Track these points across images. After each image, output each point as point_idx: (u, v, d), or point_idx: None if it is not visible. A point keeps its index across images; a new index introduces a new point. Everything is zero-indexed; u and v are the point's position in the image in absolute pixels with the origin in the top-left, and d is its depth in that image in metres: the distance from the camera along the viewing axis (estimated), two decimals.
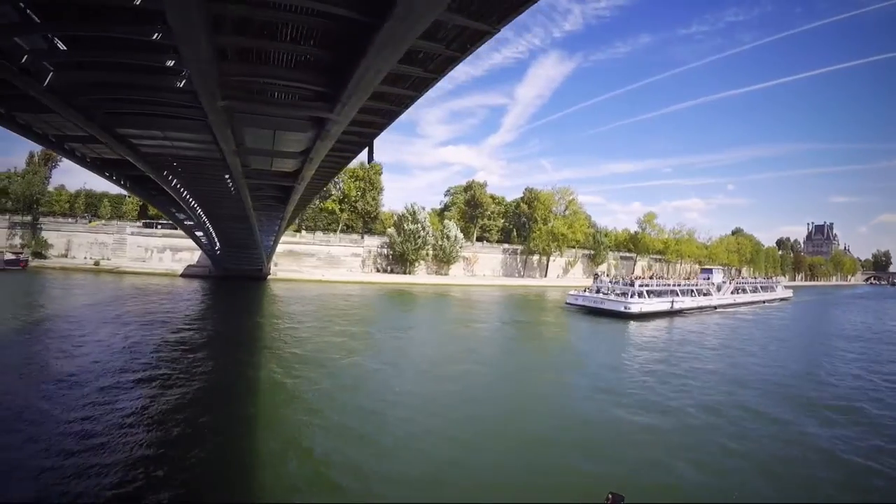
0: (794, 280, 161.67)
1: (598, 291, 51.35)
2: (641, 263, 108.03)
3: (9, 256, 60.55)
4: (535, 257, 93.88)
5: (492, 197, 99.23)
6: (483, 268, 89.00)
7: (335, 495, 11.77)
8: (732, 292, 67.77)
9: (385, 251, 79.60)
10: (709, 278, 67.49)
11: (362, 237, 79.78)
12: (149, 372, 20.85)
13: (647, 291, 50.15)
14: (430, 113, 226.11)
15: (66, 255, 67.64)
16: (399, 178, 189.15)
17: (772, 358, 31.76)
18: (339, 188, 78.53)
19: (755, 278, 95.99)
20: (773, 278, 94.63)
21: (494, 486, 12.51)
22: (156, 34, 9.54)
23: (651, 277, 62.27)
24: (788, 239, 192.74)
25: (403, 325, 38.38)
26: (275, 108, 13.12)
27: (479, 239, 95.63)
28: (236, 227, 44.98)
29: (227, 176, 23.80)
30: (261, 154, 17.90)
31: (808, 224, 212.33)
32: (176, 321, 33.78)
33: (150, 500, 11.20)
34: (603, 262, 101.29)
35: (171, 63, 10.87)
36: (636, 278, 56.11)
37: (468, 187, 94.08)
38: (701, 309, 56.96)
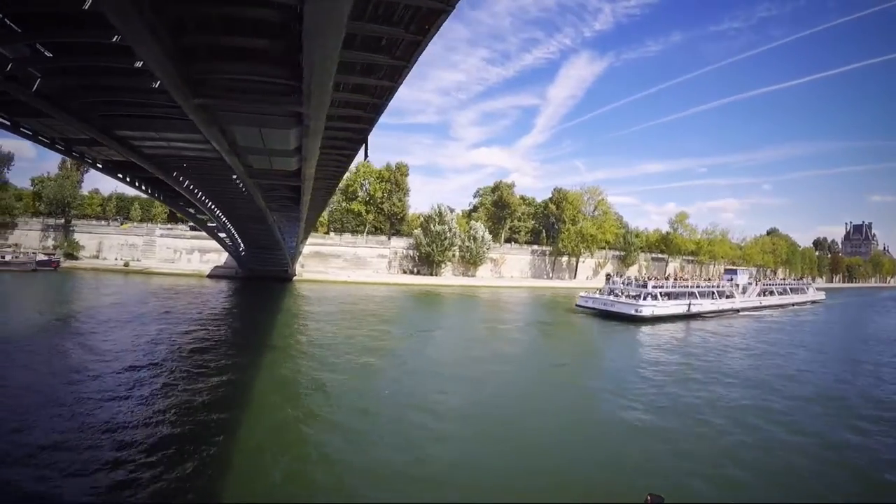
0: (832, 282, 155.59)
1: (610, 293, 48.34)
2: (673, 265, 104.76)
3: (41, 257, 61.23)
4: (565, 258, 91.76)
5: (522, 198, 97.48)
6: (511, 269, 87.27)
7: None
8: (759, 294, 63.89)
9: (411, 252, 78.52)
10: (732, 279, 63.42)
11: (388, 238, 78.87)
12: (155, 369, 21.24)
13: (662, 293, 47.39)
14: (462, 115, 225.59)
15: (97, 257, 68.27)
16: (432, 181, 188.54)
17: (797, 371, 28.26)
18: (366, 189, 77.75)
19: (784, 280, 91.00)
20: (804, 279, 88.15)
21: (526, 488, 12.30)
22: (115, 37, 9.59)
23: (666, 278, 58.85)
24: (825, 239, 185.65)
25: (417, 328, 36.92)
26: (250, 105, 12.78)
27: (508, 240, 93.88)
28: (256, 228, 45.31)
29: (234, 176, 23.39)
30: (256, 153, 17.49)
31: (846, 224, 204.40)
32: (195, 319, 34.26)
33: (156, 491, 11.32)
34: (633, 263, 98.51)
35: (139, 64, 10.82)
36: (650, 279, 53.51)
37: (495, 188, 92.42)
38: (721, 312, 53.58)
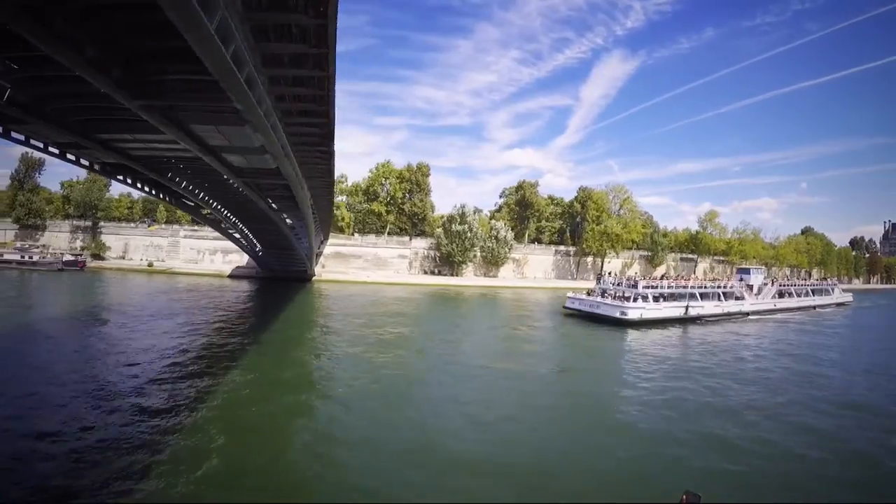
0: (869, 282, 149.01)
1: (602, 294, 44.01)
2: (703, 265, 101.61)
3: (68, 258, 62.47)
4: (590, 259, 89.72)
5: (550, 198, 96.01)
6: (534, 269, 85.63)
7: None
8: (774, 296, 58.06)
9: (432, 253, 77.66)
10: (743, 279, 57.70)
11: (409, 239, 78.20)
12: (163, 362, 21.58)
13: (654, 295, 42.69)
14: (495, 117, 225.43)
15: (123, 257, 69.30)
16: (466, 183, 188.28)
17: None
18: (387, 190, 77.27)
19: (809, 281, 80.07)
20: (829, 280, 79.16)
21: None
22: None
23: (661, 278, 52.82)
24: (863, 239, 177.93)
25: (421, 329, 35.17)
26: (194, 103, 13.39)
27: (533, 240, 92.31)
28: (265, 228, 46.38)
29: (225, 176, 23.76)
30: (229, 151, 18.32)
31: (885, 223, 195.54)
32: (206, 316, 35.02)
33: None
34: (661, 263, 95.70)
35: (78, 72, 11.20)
36: (646, 277, 51.18)
37: (519, 187, 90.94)
38: (728, 315, 48.20)
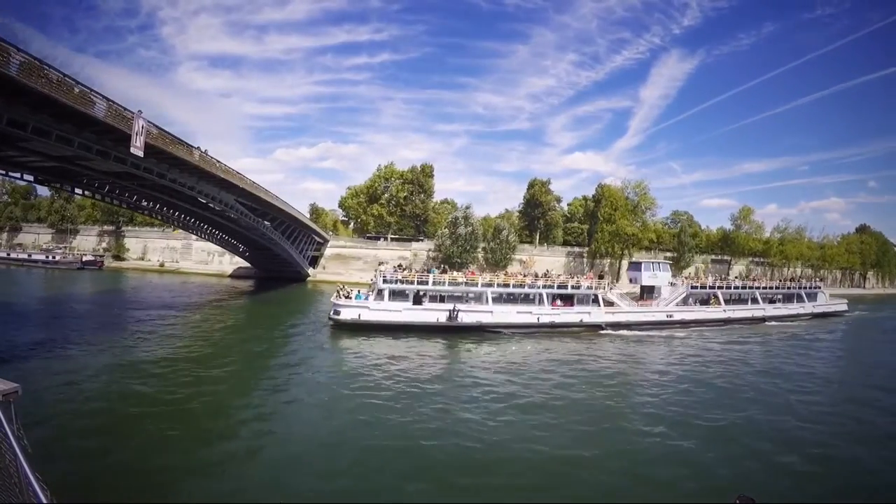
0: None
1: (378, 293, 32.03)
2: (739, 267, 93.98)
3: (88, 258, 68.32)
4: (607, 261, 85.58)
5: (574, 199, 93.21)
6: (542, 271, 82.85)
7: None
8: (680, 302, 40.20)
9: (434, 254, 77.28)
10: (635, 278, 43.94)
11: (409, 241, 78.34)
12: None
13: (394, 290, 31.59)
14: (554, 120, 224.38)
15: (142, 258, 74.56)
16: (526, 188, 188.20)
17: None
18: (389, 192, 77.81)
19: (788, 282, 54.06)
20: (812, 283, 54.09)
21: None
22: None
23: (540, 274, 39.26)
24: None
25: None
26: None
27: (545, 240, 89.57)
28: (238, 231, 49.75)
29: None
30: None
31: None
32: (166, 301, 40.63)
33: None
34: (688, 265, 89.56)
35: None
36: (404, 269, 36.41)
37: (530, 185, 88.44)
38: (552, 327, 33.66)
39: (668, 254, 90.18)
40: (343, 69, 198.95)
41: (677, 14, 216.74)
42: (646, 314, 38.08)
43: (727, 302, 42.54)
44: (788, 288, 48.73)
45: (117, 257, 72.55)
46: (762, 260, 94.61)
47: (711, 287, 43.53)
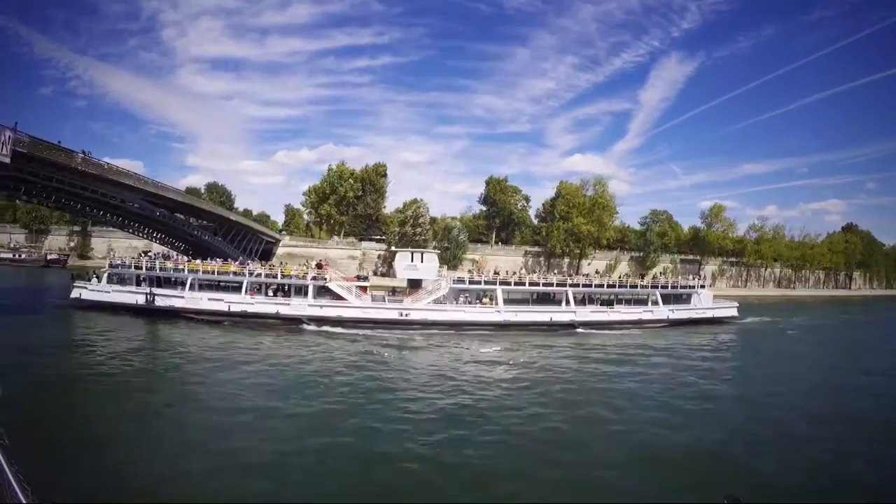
0: None
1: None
2: (710, 267, 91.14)
3: (52, 256, 72.64)
4: (566, 260, 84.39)
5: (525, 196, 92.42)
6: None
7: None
8: (445, 299, 34.61)
9: (384, 254, 78.15)
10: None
11: (360, 240, 79.41)
12: None
13: (117, 276, 35.19)
14: (554, 123, 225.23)
15: (105, 257, 78.11)
16: (527, 189, 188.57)
17: None
18: (339, 192, 78.81)
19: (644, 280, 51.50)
20: (692, 281, 47.07)
21: None
22: None
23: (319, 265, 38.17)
24: None
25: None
26: None
27: (505, 241, 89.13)
28: (176, 229, 54.15)
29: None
30: None
31: None
32: None
33: None
34: (654, 265, 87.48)
35: None
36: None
37: (488, 182, 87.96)
38: (221, 314, 32.57)
39: (634, 253, 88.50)
40: (344, 72, 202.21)
41: (676, 17, 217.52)
42: (365, 311, 33.53)
43: (515, 302, 36.08)
44: (644, 287, 41.37)
45: (82, 256, 76.54)
46: (737, 260, 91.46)
47: (490, 282, 35.67)
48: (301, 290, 33.49)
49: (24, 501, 4.26)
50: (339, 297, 33.40)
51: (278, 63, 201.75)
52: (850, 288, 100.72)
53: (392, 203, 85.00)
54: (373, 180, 79.82)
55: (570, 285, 37.85)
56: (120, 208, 46.87)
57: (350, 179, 77.74)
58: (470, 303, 35.21)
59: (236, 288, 33.89)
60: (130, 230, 57.71)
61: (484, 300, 35.43)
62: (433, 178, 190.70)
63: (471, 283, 35.91)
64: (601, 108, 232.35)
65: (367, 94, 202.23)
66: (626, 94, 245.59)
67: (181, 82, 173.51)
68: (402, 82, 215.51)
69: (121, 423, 14.35)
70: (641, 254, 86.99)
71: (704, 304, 42.78)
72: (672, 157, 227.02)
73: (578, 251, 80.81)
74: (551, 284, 37.69)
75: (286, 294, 33.74)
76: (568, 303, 36.67)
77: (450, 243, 76.79)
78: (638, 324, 38.63)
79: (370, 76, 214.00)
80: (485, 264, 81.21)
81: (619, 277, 48.32)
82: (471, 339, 31.27)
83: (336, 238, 79.63)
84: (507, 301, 35.44)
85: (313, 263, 40.97)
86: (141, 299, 32.94)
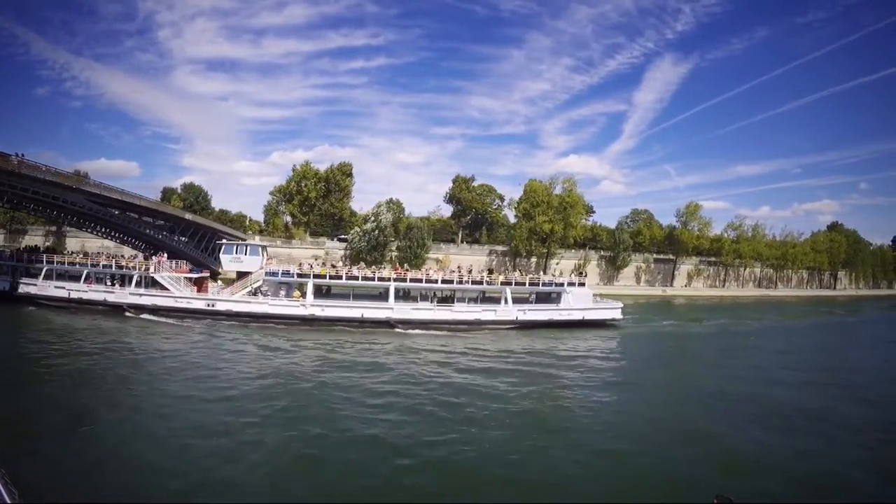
0: None
1: None
2: (686, 267, 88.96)
3: None
4: (534, 260, 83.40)
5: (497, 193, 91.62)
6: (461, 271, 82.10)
7: None
8: (259, 291, 35.65)
9: (347, 253, 78.49)
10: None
11: (322, 240, 79.88)
12: None
13: None
14: (549, 124, 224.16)
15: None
16: (521, 190, 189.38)
17: None
18: (303, 192, 79.48)
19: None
20: (575, 278, 40.96)
21: None
22: None
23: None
24: None
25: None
26: None
27: (472, 241, 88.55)
28: (133, 230, 54.89)
29: None
30: None
31: None
32: None
33: None
34: (626, 265, 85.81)
35: None
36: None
37: (454, 181, 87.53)
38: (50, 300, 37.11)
39: (605, 252, 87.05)
40: (340, 73, 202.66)
41: (670, 19, 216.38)
42: (178, 301, 35.19)
43: (333, 297, 36.03)
44: (495, 283, 37.45)
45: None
46: (715, 260, 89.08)
47: (303, 275, 35.25)
48: (129, 280, 36.54)
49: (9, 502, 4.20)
50: (163, 288, 35.89)
51: (274, 64, 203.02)
52: (834, 288, 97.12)
53: (371, 202, 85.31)
54: (337, 180, 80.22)
55: (395, 280, 35.56)
56: (67, 209, 48.19)
57: (313, 179, 78.23)
58: (288, 296, 35.32)
59: (77, 277, 37.63)
60: (88, 230, 59.05)
61: (294, 293, 35.32)
62: (428, 179, 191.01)
63: (283, 275, 35.77)
64: (596, 109, 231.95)
65: (362, 95, 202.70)
66: (621, 96, 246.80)
67: (177, 83, 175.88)
68: (397, 84, 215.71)
69: None
70: (612, 253, 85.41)
71: (576, 304, 38.12)
72: (666, 159, 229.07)
73: (545, 250, 79.73)
74: (372, 279, 35.99)
75: (123, 284, 36.71)
76: (387, 299, 34.96)
77: (410, 242, 76.77)
78: (476, 325, 35.45)
79: (365, 77, 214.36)
80: (448, 263, 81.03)
81: (482, 274, 40.11)
82: (264, 332, 31.28)
83: (301, 238, 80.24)
84: (321, 295, 35.39)
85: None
86: (7, 286, 37.62)
